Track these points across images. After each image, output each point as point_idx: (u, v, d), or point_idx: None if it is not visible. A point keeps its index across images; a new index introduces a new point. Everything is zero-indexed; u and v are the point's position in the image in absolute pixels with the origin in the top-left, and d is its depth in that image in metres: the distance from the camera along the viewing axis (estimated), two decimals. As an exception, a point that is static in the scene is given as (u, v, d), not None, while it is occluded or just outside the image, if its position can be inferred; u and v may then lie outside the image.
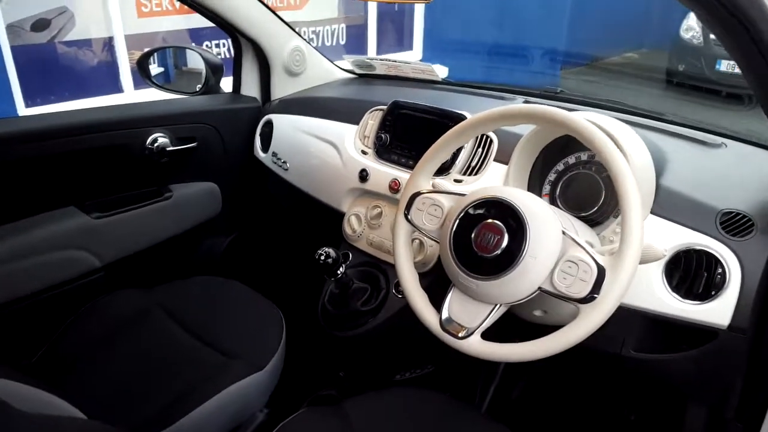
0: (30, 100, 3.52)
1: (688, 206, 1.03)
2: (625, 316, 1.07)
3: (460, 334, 0.91)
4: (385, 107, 1.44)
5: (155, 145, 1.56)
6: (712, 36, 5.63)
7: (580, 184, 1.14)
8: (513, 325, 1.04)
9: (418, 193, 1.01)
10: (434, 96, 1.56)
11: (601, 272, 0.80)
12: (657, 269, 1.01)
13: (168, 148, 1.58)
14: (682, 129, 1.30)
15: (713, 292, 0.98)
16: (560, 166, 1.16)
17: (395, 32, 5.78)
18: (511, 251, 0.85)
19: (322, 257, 1.17)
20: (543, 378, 1.64)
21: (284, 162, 1.65)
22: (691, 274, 1.00)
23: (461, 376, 1.55)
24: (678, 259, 1.01)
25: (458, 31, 5.86)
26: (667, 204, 1.04)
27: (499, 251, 0.86)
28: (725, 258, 0.97)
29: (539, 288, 0.85)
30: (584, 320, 0.81)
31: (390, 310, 1.28)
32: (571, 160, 1.15)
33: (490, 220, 0.89)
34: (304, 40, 1.80)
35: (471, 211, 0.91)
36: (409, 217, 1.01)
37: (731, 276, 0.97)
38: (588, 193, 1.11)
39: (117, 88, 3.87)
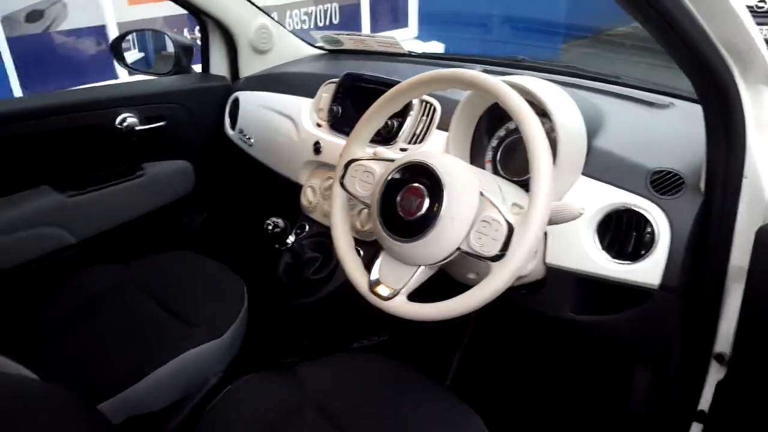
0: (27, 91, 3.54)
1: (619, 166, 1.03)
2: (559, 277, 1.08)
3: (384, 295, 0.92)
4: (337, 80, 1.46)
5: (124, 124, 1.59)
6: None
7: (519, 149, 1.14)
8: (454, 288, 1.06)
9: (352, 161, 1.02)
10: (396, 68, 1.56)
11: (510, 230, 0.81)
12: (588, 230, 1.02)
13: (137, 128, 1.61)
14: (633, 91, 1.29)
15: (643, 252, 0.98)
16: (501, 132, 1.17)
17: (389, 10, 5.68)
18: (431, 213, 0.86)
19: (270, 227, 1.21)
20: (504, 350, 1.65)
21: (249, 138, 1.67)
22: (622, 234, 1.00)
23: (416, 344, 1.58)
24: (609, 219, 1.01)
25: (455, 6, 5.77)
26: (599, 164, 1.05)
27: (420, 213, 0.88)
28: (654, 217, 0.97)
29: (458, 248, 0.86)
30: (494, 278, 0.82)
31: (340, 278, 1.31)
32: (512, 125, 1.15)
33: (413, 184, 0.90)
34: (271, 18, 1.81)
35: (395, 176, 0.92)
36: (344, 183, 1.03)
37: (660, 235, 0.97)
38: (526, 157, 1.12)
39: (113, 75, 3.90)
